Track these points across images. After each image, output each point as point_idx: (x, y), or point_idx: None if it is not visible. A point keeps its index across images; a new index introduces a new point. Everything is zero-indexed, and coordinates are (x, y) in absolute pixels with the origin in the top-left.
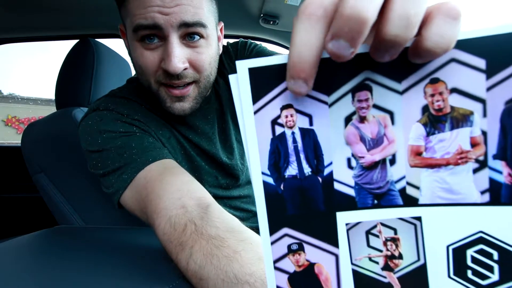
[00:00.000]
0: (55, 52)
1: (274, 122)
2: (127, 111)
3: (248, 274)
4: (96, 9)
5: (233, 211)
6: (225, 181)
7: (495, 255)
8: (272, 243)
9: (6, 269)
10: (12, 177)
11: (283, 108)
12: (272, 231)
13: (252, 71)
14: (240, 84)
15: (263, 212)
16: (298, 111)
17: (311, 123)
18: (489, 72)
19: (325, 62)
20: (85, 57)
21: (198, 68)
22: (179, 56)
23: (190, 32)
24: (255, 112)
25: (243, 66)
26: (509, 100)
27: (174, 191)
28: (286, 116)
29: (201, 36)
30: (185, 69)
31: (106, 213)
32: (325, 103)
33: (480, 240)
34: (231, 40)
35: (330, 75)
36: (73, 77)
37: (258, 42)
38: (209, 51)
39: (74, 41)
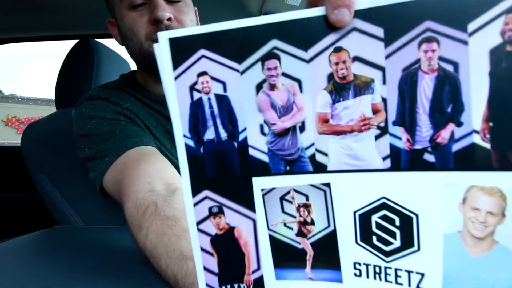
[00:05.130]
0: (56, 55)
1: (192, 88)
2: (117, 100)
3: None
4: (96, 9)
5: None
6: None
7: (397, 221)
8: (195, 205)
9: (6, 269)
10: (12, 177)
11: (200, 75)
12: (194, 192)
13: (173, 41)
14: (161, 52)
15: (186, 174)
16: (213, 78)
17: (225, 90)
18: (387, 40)
19: (235, 32)
20: (85, 57)
21: (181, 22)
22: (164, 5)
23: None
24: (175, 78)
25: (164, 36)
26: (406, 67)
27: (146, 176)
28: (202, 83)
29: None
30: (170, 19)
31: (106, 213)
32: (237, 70)
33: (383, 206)
34: None
35: (240, 44)
36: (73, 77)
37: None
38: (189, 13)
39: (74, 41)
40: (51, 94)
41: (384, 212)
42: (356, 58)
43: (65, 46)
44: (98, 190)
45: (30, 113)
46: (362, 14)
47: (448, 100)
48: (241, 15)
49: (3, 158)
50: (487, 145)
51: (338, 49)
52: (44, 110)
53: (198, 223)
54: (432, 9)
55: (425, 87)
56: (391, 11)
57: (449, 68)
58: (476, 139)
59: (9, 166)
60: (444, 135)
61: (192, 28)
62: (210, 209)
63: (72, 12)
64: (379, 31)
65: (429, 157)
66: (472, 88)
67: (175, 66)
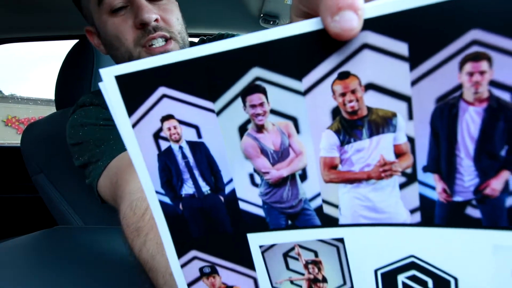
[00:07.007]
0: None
1: (157, 136)
2: None
3: None
4: None
5: None
6: None
7: (430, 283)
8: (182, 266)
9: (6, 269)
10: (12, 177)
11: (164, 119)
12: (179, 253)
13: (121, 79)
14: (109, 94)
15: (166, 234)
16: (181, 122)
17: (199, 136)
18: (414, 59)
19: (201, 61)
20: (85, 57)
21: (168, 21)
22: (149, 6)
23: None
24: (134, 126)
25: (109, 74)
26: (441, 97)
27: None
28: (169, 129)
29: None
30: (157, 20)
31: (105, 213)
32: (211, 111)
33: (412, 265)
34: None
35: (212, 77)
36: (73, 77)
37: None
38: (174, 10)
39: (74, 41)
40: (51, 94)
41: (413, 272)
42: (370, 86)
43: (67, 49)
44: (97, 196)
45: (30, 113)
46: (376, 24)
47: (502, 140)
48: (241, 15)
49: (3, 158)
50: None
51: (345, 75)
52: (44, 110)
53: (190, 284)
54: (481, 12)
55: (469, 122)
56: (419, 18)
57: (505, 96)
58: None
59: (9, 166)
60: (494, 186)
61: (144, 60)
62: (201, 269)
63: (72, 12)
64: (402, 47)
65: (473, 212)
66: None
67: (130, 111)
